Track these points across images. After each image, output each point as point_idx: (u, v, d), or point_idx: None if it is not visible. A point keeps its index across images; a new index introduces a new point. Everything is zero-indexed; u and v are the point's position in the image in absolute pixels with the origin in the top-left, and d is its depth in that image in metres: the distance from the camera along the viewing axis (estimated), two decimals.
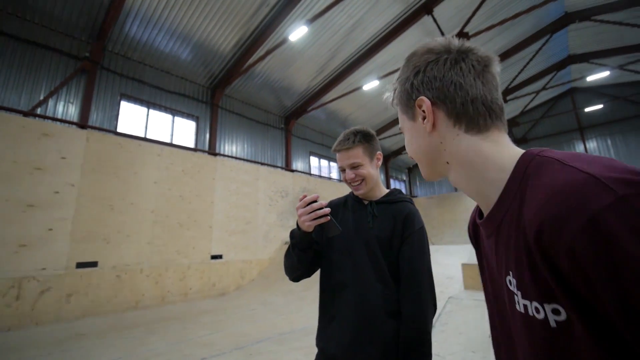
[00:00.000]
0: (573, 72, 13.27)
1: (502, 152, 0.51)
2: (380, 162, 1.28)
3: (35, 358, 3.36)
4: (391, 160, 16.82)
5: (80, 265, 5.18)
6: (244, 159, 9.51)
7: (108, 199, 5.71)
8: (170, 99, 8.53)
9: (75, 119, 6.72)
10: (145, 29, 7.27)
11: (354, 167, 1.21)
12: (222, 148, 9.48)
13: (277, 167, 10.54)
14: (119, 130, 7.34)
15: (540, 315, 0.41)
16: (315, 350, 1.20)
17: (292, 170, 10.97)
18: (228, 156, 9.19)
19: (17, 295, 4.50)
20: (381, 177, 14.54)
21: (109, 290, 5.37)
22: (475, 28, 8.57)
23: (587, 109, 13.68)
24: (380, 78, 9.64)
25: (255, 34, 7.94)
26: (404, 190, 17.93)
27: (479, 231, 0.61)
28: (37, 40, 6.47)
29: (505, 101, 12.63)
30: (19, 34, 6.29)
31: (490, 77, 0.54)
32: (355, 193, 1.25)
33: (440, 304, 4.53)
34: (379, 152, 1.27)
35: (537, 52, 11.04)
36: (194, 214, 6.95)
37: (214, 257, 7.04)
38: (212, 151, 8.70)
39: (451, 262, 6.89)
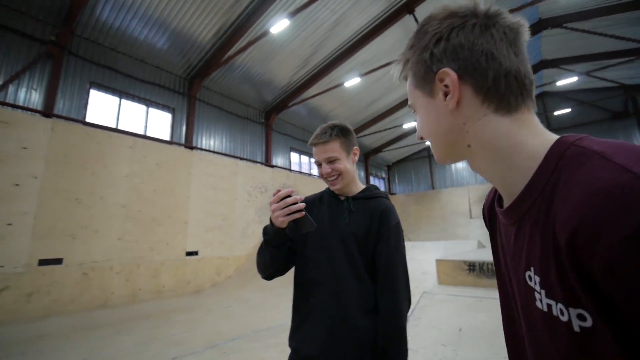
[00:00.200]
0: (545, 76, 13.88)
1: (534, 137, 0.45)
2: (356, 158, 1.27)
3: None
4: (371, 157, 17.00)
5: (43, 262, 4.89)
6: (222, 153, 9.29)
7: (74, 192, 5.41)
8: (145, 89, 8.17)
9: (39, 106, 6.30)
10: (118, 14, 6.90)
11: (331, 161, 1.20)
12: (199, 141, 9.21)
13: (256, 162, 10.38)
14: (87, 120, 6.96)
15: (565, 318, 0.37)
16: None
17: (272, 166, 10.85)
18: (205, 150, 8.94)
19: None
20: (361, 175, 14.73)
21: (74, 288, 5.11)
22: None
23: (556, 112, 14.38)
24: (362, 75, 9.67)
25: (236, 25, 7.73)
26: (382, 188, 18.19)
27: (496, 219, 0.57)
28: None
29: None
30: None
31: (522, 47, 0.47)
32: (332, 188, 1.23)
33: (414, 299, 4.63)
34: (355, 147, 1.26)
35: None
36: (169, 209, 6.72)
37: (189, 253, 6.86)
38: (189, 144, 8.44)
39: (426, 257, 7.06)
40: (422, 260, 7.08)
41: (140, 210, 6.25)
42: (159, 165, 6.78)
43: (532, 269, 0.42)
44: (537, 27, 10.71)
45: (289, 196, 1.03)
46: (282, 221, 1.02)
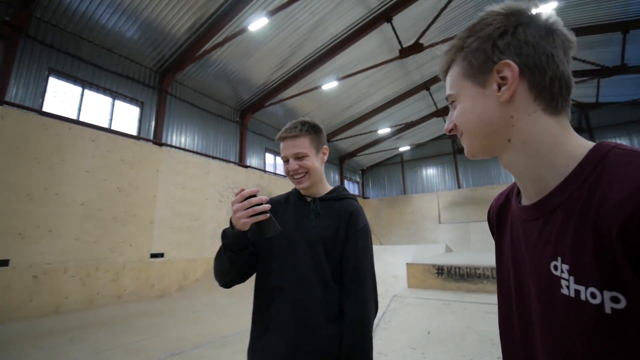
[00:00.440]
0: None
1: (573, 139, 0.49)
2: (325, 157, 1.22)
3: None
4: (346, 161, 17.15)
5: None
6: (193, 151, 8.95)
7: (25, 187, 4.96)
8: (111, 79, 7.70)
9: None
10: None
11: (299, 157, 1.14)
12: (169, 138, 8.81)
13: (229, 161, 10.11)
14: (44, 109, 6.42)
15: (596, 301, 0.41)
16: None
17: (246, 166, 10.62)
18: (175, 147, 8.56)
19: None
20: (335, 178, 14.79)
21: (22, 292, 4.66)
22: (430, 40, 9.05)
23: None
24: (340, 79, 9.74)
25: (213, 19, 7.50)
26: (356, 192, 18.43)
27: (506, 216, 0.62)
28: None
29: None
30: None
31: (571, 59, 0.51)
32: (298, 187, 1.17)
33: (385, 302, 4.69)
34: (325, 146, 1.22)
35: None
36: (133, 207, 6.36)
37: (154, 255, 6.52)
38: (158, 141, 8.04)
39: (397, 261, 7.21)
40: (392, 263, 7.21)
41: (101, 208, 5.85)
42: (124, 161, 6.40)
43: (559, 258, 0.46)
44: None
45: (254, 196, 0.96)
46: (244, 223, 0.95)
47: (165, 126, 8.73)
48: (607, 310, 0.40)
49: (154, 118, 8.49)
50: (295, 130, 1.15)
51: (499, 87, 0.51)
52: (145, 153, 6.85)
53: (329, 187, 1.23)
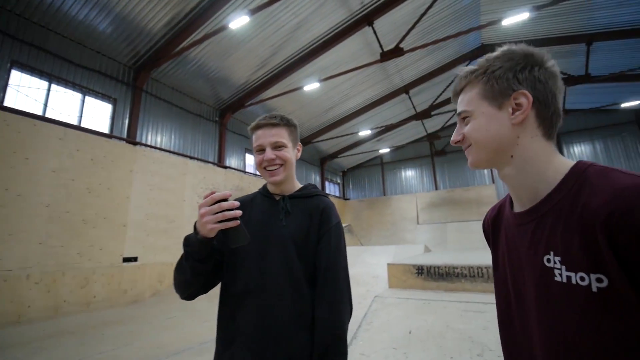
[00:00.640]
0: None
1: (558, 158, 0.63)
2: (299, 155, 1.19)
3: None
4: (327, 163, 17.20)
5: None
6: (170, 151, 8.65)
7: None
8: (81, 74, 7.30)
9: None
10: None
11: (277, 147, 1.09)
12: (144, 137, 8.47)
13: (208, 162, 9.85)
14: (6, 104, 5.99)
15: (585, 283, 0.52)
16: None
17: (225, 167, 10.40)
18: (151, 146, 8.24)
19: None
20: (316, 179, 14.75)
21: None
22: (410, 45, 9.25)
23: None
24: (321, 81, 9.74)
25: (192, 16, 7.30)
26: (337, 193, 18.51)
27: (500, 224, 0.74)
28: None
29: (430, 116, 13.97)
30: None
31: (562, 99, 0.64)
32: (270, 179, 1.10)
33: (366, 302, 4.70)
34: (299, 143, 1.19)
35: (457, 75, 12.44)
36: (104, 210, 6.04)
37: (126, 259, 6.22)
38: (132, 139, 7.71)
39: (377, 261, 7.27)
40: (373, 264, 7.27)
41: (69, 210, 5.52)
42: (95, 160, 6.08)
43: (551, 252, 0.57)
44: (479, 52, 11.82)
45: (225, 200, 0.87)
46: (211, 229, 0.86)
47: (140, 124, 8.39)
48: (594, 289, 0.51)
49: (127, 116, 8.13)
50: (275, 119, 1.11)
51: (513, 111, 0.63)
52: (118, 152, 6.54)
53: (298, 185, 1.18)
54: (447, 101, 14.61)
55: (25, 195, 5.01)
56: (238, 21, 6.84)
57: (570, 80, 10.61)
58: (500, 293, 0.71)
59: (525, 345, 0.63)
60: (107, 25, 7.10)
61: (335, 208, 1.12)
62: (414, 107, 14.05)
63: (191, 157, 9.32)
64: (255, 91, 10.40)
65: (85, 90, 7.41)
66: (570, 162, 0.60)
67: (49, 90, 6.79)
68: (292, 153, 1.13)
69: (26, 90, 6.44)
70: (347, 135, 14.56)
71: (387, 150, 16.88)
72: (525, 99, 0.61)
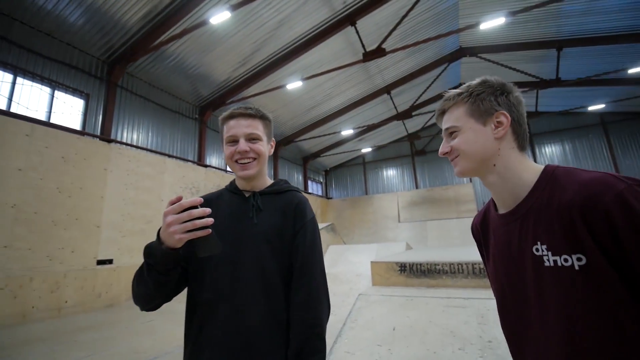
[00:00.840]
0: None
1: (531, 164, 0.76)
2: (272, 151, 1.13)
3: None
4: (310, 162, 17.17)
5: None
6: (147, 149, 8.35)
7: None
8: (50, 67, 6.91)
9: None
10: None
11: (252, 139, 1.03)
12: (119, 134, 8.13)
13: (187, 160, 9.59)
14: None
15: (568, 263, 0.62)
16: None
17: (206, 166, 10.15)
18: (127, 144, 7.91)
19: None
20: (299, 179, 14.70)
21: None
22: (391, 46, 9.37)
23: None
24: (304, 79, 9.70)
25: (171, 9, 7.05)
26: (319, 192, 18.52)
27: (488, 227, 0.86)
28: None
29: (411, 116, 14.23)
30: None
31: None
32: (241, 173, 1.02)
33: (349, 300, 4.72)
34: (273, 139, 1.14)
35: (437, 77, 12.75)
36: (76, 210, 5.74)
37: (101, 262, 5.94)
38: (106, 137, 7.37)
39: (360, 259, 7.34)
40: (356, 262, 7.33)
41: (38, 211, 5.20)
42: (66, 158, 5.76)
43: (538, 242, 0.68)
44: (458, 55, 12.16)
45: (195, 207, 0.78)
46: (179, 239, 0.77)
47: (115, 121, 8.04)
48: (576, 267, 0.61)
49: (101, 112, 7.77)
50: (251, 110, 1.05)
51: (495, 127, 0.76)
52: (91, 150, 6.24)
53: (269, 181, 1.12)
54: (427, 102, 14.95)
55: None
56: (219, 17, 6.69)
57: (543, 83, 11.12)
58: (496, 286, 0.81)
59: (523, 327, 0.73)
60: (79, 17, 6.75)
61: (309, 203, 1.09)
62: (395, 108, 14.27)
63: (170, 156, 9.04)
64: (237, 89, 10.22)
65: (54, 85, 7.02)
66: (540, 167, 0.73)
67: (14, 83, 6.37)
68: (266, 147, 1.07)
69: None
70: (329, 134, 14.59)
71: (369, 149, 17.06)
72: (504, 117, 0.75)
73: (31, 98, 6.62)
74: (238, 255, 0.94)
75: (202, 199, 0.80)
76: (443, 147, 0.83)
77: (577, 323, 0.61)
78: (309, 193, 16.31)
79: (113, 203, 6.40)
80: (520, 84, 11.32)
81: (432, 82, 12.94)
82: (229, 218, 1.00)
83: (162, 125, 9.42)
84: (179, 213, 0.78)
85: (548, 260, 0.65)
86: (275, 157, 14.45)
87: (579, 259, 0.61)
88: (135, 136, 8.57)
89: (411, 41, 9.96)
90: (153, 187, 7.34)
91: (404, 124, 15.73)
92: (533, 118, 14.27)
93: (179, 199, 0.79)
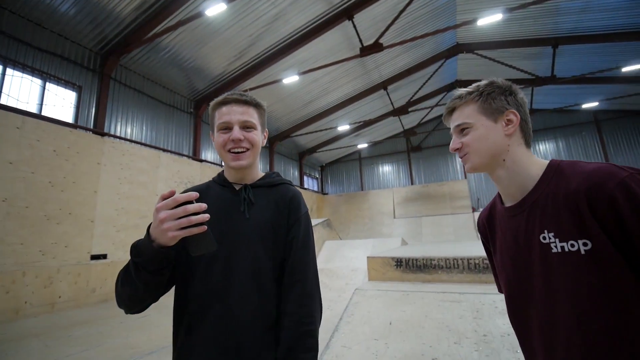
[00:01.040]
0: None
1: (536, 159, 0.81)
2: (265, 141, 1.07)
3: None
4: (306, 157, 17.13)
5: None
6: (141, 143, 8.24)
7: None
8: (41, 58, 6.75)
9: None
10: None
11: (247, 127, 0.97)
12: (112, 128, 8.01)
13: (182, 155, 9.50)
14: None
15: (574, 248, 0.66)
16: None
17: (201, 160, 10.07)
18: (120, 138, 7.80)
19: None
20: (295, 174, 14.68)
21: None
22: (389, 41, 9.33)
23: None
24: (300, 74, 9.62)
25: (166, 0, 6.92)
26: (315, 188, 18.51)
27: (494, 220, 0.90)
28: None
29: (407, 112, 14.23)
30: None
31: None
32: (233, 164, 0.96)
33: (346, 295, 4.75)
34: (267, 129, 1.09)
35: (434, 73, 12.74)
36: (69, 204, 5.66)
37: (95, 257, 5.88)
38: (99, 130, 7.26)
39: (355, 255, 7.36)
40: (352, 257, 7.35)
41: (29, 205, 5.12)
42: (58, 152, 5.66)
43: (545, 231, 0.71)
44: (454, 50, 12.14)
45: (190, 202, 0.73)
46: (173, 236, 0.71)
47: (108, 114, 7.92)
48: (582, 252, 0.65)
49: (94, 105, 7.65)
50: (246, 97, 0.98)
51: (506, 125, 0.80)
52: (84, 143, 6.14)
53: (260, 174, 1.07)
54: (423, 98, 14.96)
55: None
56: (214, 8, 6.58)
57: (538, 80, 11.17)
58: (504, 278, 0.85)
59: (531, 315, 0.76)
60: (70, 6, 6.59)
61: (303, 197, 1.05)
62: (391, 103, 14.25)
63: (164, 150, 8.94)
64: (233, 82, 10.11)
65: (45, 76, 6.87)
66: (545, 161, 0.78)
67: (3, 74, 6.22)
68: (260, 137, 1.02)
69: None
70: (325, 129, 14.54)
71: (365, 145, 17.06)
72: (514, 116, 0.80)
73: (22, 90, 6.48)
74: (230, 253, 0.89)
75: (197, 194, 0.74)
76: (454, 144, 0.86)
77: (585, 306, 0.64)
78: (305, 188, 16.29)
79: (107, 197, 6.32)
80: (516, 81, 11.27)
81: (429, 78, 12.94)
82: (219, 213, 0.92)
83: (157, 119, 9.30)
84: (172, 208, 0.72)
85: (555, 246, 0.68)
86: (271, 152, 14.39)
87: (584, 244, 0.64)
88: (129, 130, 8.45)
89: (408, 36, 9.92)
90: (147, 182, 7.26)
91: (400, 120, 15.74)
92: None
93: (172, 193, 0.73)
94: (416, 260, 4.57)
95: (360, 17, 8.94)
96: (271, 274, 0.90)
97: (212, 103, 1.01)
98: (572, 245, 0.66)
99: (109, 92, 7.87)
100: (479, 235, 1.00)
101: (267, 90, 10.87)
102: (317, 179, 19.09)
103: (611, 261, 0.62)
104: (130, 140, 8.04)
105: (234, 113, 0.96)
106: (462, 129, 0.84)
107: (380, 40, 8.90)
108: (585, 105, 12.86)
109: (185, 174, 8.43)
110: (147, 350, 3.31)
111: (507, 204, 0.83)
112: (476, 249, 4.91)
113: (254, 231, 0.92)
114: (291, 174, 16.21)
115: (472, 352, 2.61)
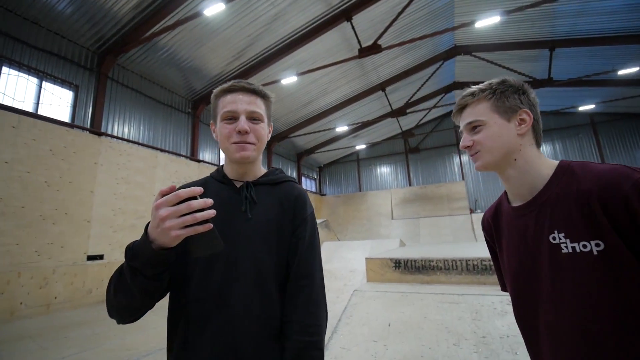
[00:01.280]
0: (456, 96, 15.88)
1: (547, 160, 0.80)
2: (270, 135, 0.99)
3: None
4: (304, 158, 17.11)
5: None
6: (138, 143, 8.19)
7: None
8: (38, 57, 6.70)
9: None
10: None
11: (253, 118, 0.90)
12: (109, 127, 7.95)
13: (180, 155, 9.45)
14: None
15: (587, 249, 0.65)
16: None
17: (199, 160, 10.03)
18: (118, 137, 7.75)
19: None
20: (293, 174, 14.66)
21: None
22: (387, 42, 9.34)
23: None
24: (299, 75, 9.62)
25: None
26: (313, 189, 18.49)
27: (500, 220, 0.89)
28: None
29: (405, 113, 14.26)
30: None
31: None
32: (238, 155, 0.88)
33: (344, 296, 4.74)
34: (271, 123, 1.01)
35: (432, 75, 12.78)
36: (65, 204, 5.61)
37: (91, 257, 5.83)
38: (96, 130, 7.20)
39: (354, 256, 7.35)
40: (350, 258, 7.34)
41: (25, 205, 5.07)
42: (55, 151, 5.61)
43: (555, 231, 0.71)
44: (452, 52, 12.19)
45: (194, 198, 0.65)
46: (176, 236, 0.64)
47: (105, 114, 7.86)
48: (595, 253, 0.64)
49: (91, 104, 7.59)
50: (254, 86, 0.92)
51: (519, 124, 0.80)
52: (81, 143, 6.09)
53: (263, 170, 1.01)
54: (421, 99, 15.00)
55: None
56: (213, 8, 6.56)
57: (535, 83, 11.23)
58: (510, 278, 0.84)
59: (537, 316, 0.76)
60: (67, 5, 6.54)
61: (308, 196, 1.00)
62: (390, 105, 14.28)
63: (162, 150, 8.90)
64: None
65: (42, 75, 6.81)
66: (555, 162, 0.79)
67: None
68: (266, 131, 0.95)
69: None
70: (324, 130, 14.54)
71: (363, 146, 17.07)
72: (527, 115, 0.80)
73: (18, 89, 6.42)
74: (231, 256, 0.82)
75: (202, 189, 0.66)
76: (465, 141, 0.85)
77: (595, 307, 0.64)
78: (296, 180, 16.26)
79: (104, 198, 6.27)
80: None
81: (427, 80, 12.97)
82: (218, 212, 0.81)
83: (154, 118, 9.26)
84: (175, 205, 0.64)
85: (566, 247, 0.68)
86: (269, 153, 14.36)
87: (597, 245, 0.64)
88: (126, 130, 8.40)
89: (407, 38, 9.95)
90: (145, 182, 7.22)
91: (398, 121, 15.77)
92: None
93: (172, 188, 0.65)
94: (415, 261, 4.57)
95: (359, 19, 8.96)
96: (275, 278, 0.84)
97: (215, 90, 0.92)
98: (584, 246, 0.65)
99: (106, 92, 7.82)
100: (484, 234, 0.98)
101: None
102: (315, 179, 19.08)
103: (623, 262, 0.62)
104: (128, 140, 8.00)
105: (240, 102, 0.88)
106: (474, 127, 0.84)
107: (379, 42, 8.91)
108: (581, 108, 12.96)
109: (183, 175, 8.39)
110: (144, 352, 3.28)
111: (515, 203, 0.82)
112: (474, 250, 4.93)
113: (257, 232, 0.86)
114: (289, 174, 16.14)
115: (472, 353, 2.61)
